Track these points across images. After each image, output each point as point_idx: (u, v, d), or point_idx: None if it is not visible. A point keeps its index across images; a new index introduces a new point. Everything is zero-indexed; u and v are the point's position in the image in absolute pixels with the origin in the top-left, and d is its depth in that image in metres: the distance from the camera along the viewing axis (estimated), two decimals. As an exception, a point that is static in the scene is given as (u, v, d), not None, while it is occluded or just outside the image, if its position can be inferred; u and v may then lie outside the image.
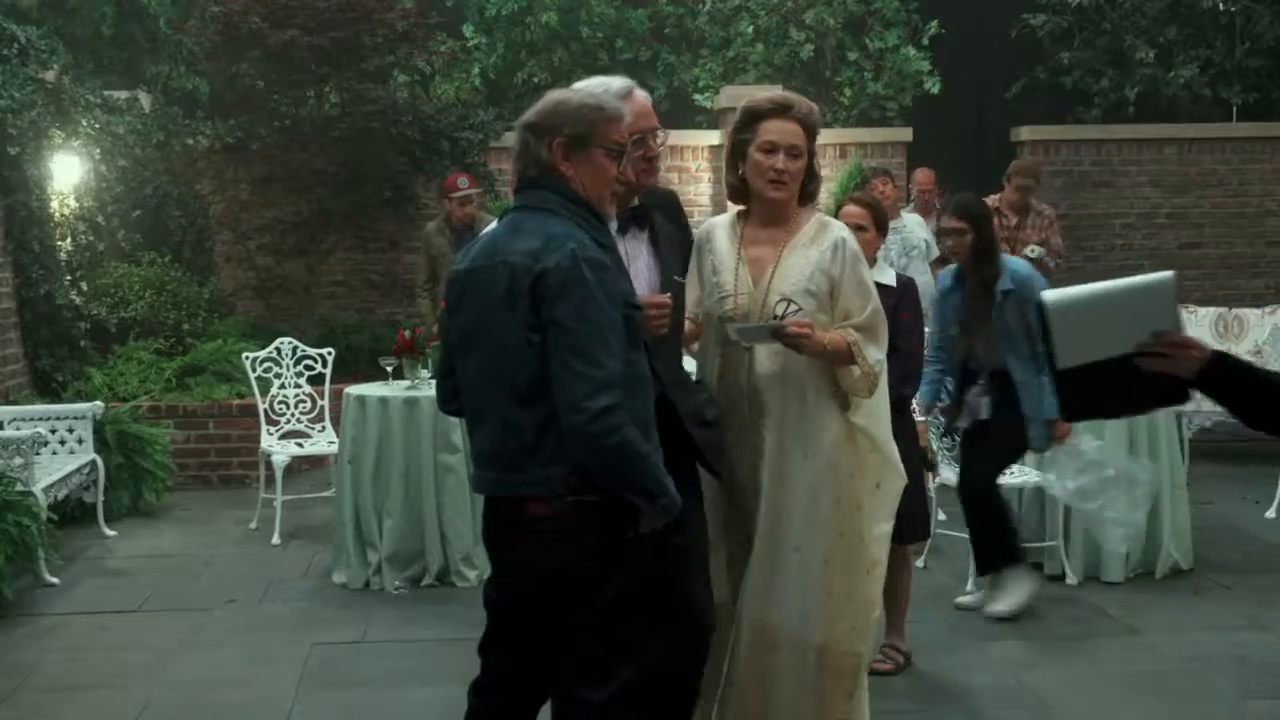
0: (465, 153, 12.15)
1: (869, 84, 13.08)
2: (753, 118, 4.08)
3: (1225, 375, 3.13)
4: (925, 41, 13.20)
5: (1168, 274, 3.20)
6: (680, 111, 12.96)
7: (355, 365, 10.57)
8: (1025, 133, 12.94)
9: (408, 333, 7.44)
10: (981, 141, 14.63)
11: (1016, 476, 6.93)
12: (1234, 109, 13.93)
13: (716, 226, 4.22)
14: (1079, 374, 3.16)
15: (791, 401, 4.04)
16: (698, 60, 13.42)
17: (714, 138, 12.00)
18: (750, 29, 13.04)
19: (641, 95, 3.86)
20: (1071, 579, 6.85)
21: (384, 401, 7.02)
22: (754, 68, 12.79)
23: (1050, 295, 3.15)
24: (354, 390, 7.22)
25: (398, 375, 7.42)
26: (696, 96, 13.10)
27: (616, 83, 3.82)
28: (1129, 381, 3.20)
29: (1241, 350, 10.39)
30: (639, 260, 3.85)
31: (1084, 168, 12.67)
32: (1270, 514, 8.33)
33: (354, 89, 11.25)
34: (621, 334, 3.21)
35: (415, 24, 11.47)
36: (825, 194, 12.06)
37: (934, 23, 13.26)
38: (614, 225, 3.77)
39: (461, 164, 12.19)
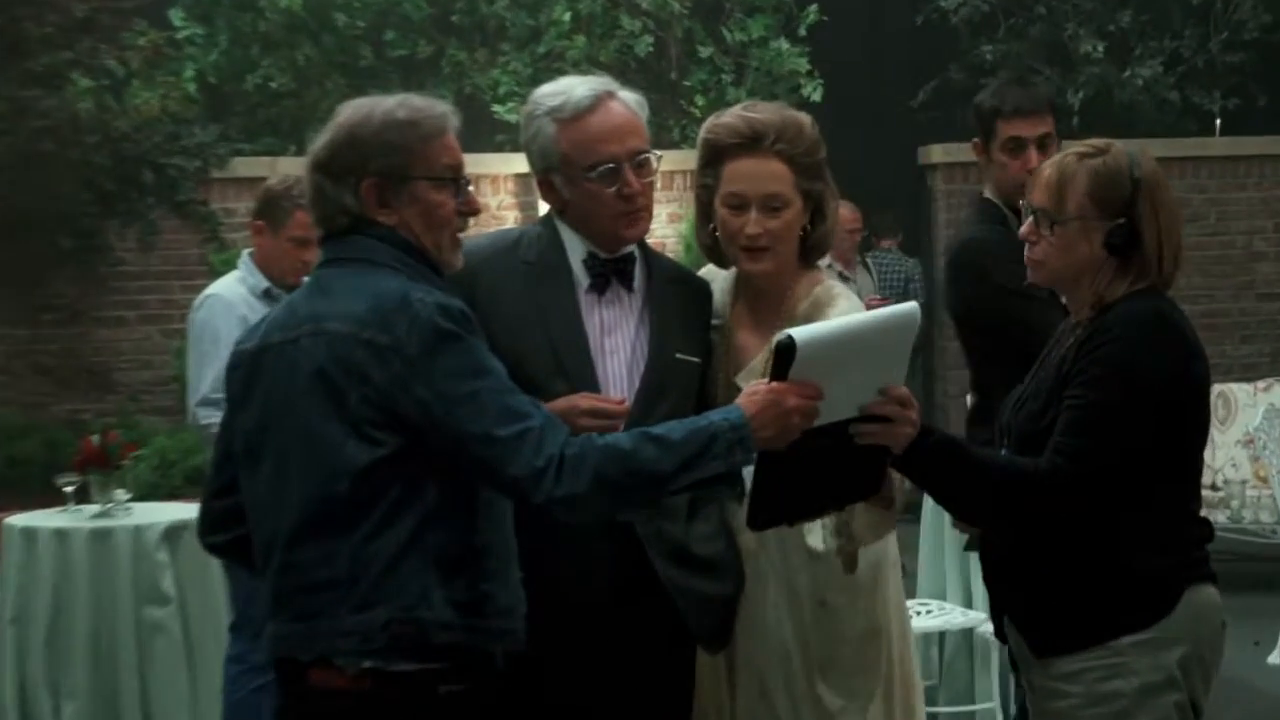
0: (175, 185, 12.03)
1: (728, 89, 13.25)
2: (715, 154, 4.04)
3: (933, 450, 3.48)
4: (802, 32, 13.41)
5: (911, 306, 3.48)
6: (475, 127, 12.97)
7: (21, 484, 10.33)
8: (937, 153, 13.19)
9: (96, 438, 7.30)
10: (878, 164, 14.86)
11: (935, 616, 7.01)
12: (1215, 120, 14.29)
13: (713, 285, 4.19)
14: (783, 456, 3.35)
15: (773, 546, 3.99)
16: (497, 58, 13.47)
17: (520, 163, 12.03)
18: (567, 16, 13.14)
19: (617, 106, 3.87)
20: (1014, 753, 6.93)
21: (62, 536, 6.89)
22: (573, 67, 12.88)
23: (801, 332, 3.32)
24: (18, 521, 7.08)
25: (82, 498, 7.26)
26: (496, 108, 13.13)
27: (583, 87, 3.87)
28: (829, 463, 3.44)
29: (1229, 439, 10.63)
30: (618, 332, 3.90)
31: (1016, 199, 12.98)
32: (1274, 659, 8.50)
33: (15, 97, 11.09)
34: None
35: (101, 8, 11.36)
36: (675, 236, 12.18)
37: (813, 8, 13.46)
38: (585, 284, 3.87)
39: (170, 202, 12.06)
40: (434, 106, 3.44)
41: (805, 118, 4.07)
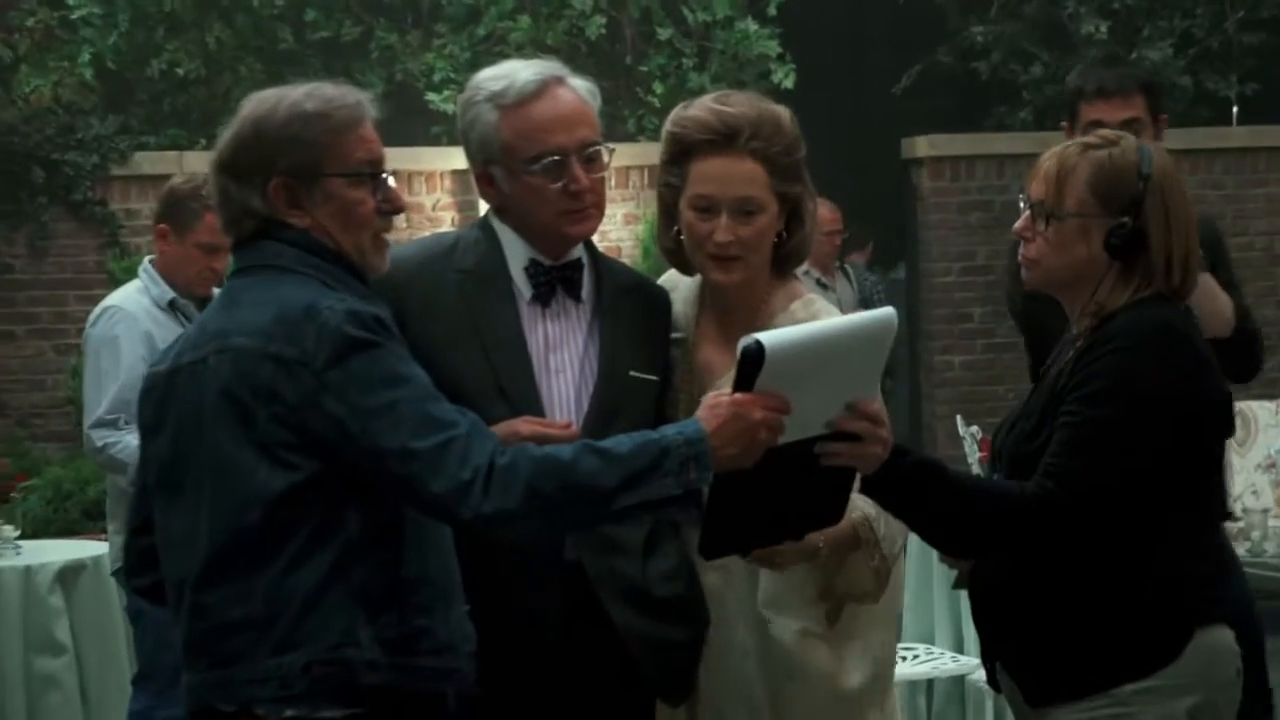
0: (70, 184, 11.99)
1: (689, 75, 13.26)
2: (682, 151, 4.03)
3: (908, 473, 3.49)
4: (772, 12, 13.42)
5: (888, 311, 3.48)
6: (407, 118, 12.96)
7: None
8: (922, 145, 13.20)
9: (-19, 468, 7.30)
10: (856, 158, 14.92)
11: (923, 661, 7.02)
12: (1231, 107, 14.30)
13: (674, 295, 4.21)
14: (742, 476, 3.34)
15: (736, 585, 4.01)
16: (431, 41, 13.46)
17: (459, 158, 12.01)
18: (510, -7, 13.15)
19: (566, 94, 3.93)
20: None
21: (-57, 577, 6.87)
22: (516, 51, 12.87)
23: (770, 337, 3.30)
24: (-106, 561, 7.06)
25: (-35, 535, 7.26)
26: (431, 96, 13.11)
27: (528, 71, 3.90)
28: (790, 486, 3.44)
29: (1249, 463, 10.64)
30: (564, 348, 3.92)
31: (1011, 196, 12.97)
32: (1299, 706, 8.53)
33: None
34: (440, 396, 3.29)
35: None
36: (631, 240, 12.19)
37: (784, -16, 13.48)
38: (529, 293, 3.90)
39: (64, 202, 12.02)
40: (346, 95, 3.46)
41: (783, 111, 4.07)
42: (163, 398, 3.43)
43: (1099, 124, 5.01)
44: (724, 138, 3.96)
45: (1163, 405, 3.49)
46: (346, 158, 3.41)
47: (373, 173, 3.44)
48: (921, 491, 3.53)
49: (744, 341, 3.29)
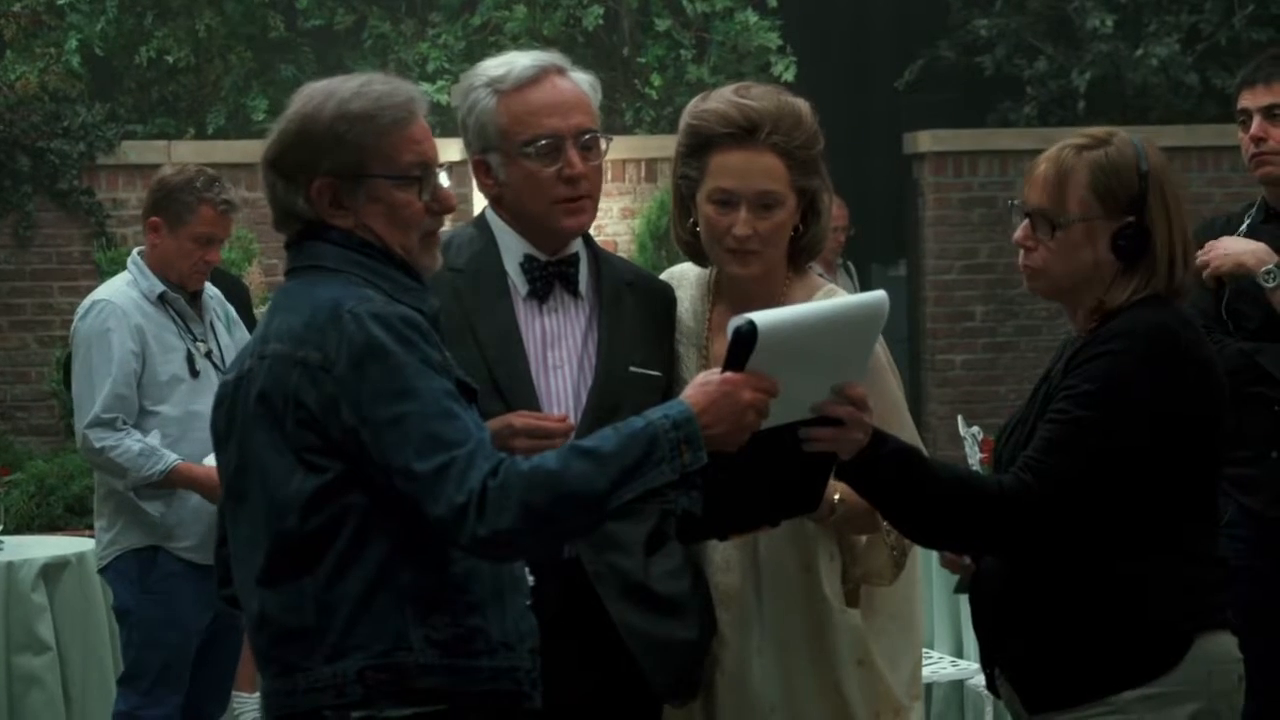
0: (57, 173, 11.98)
1: (688, 67, 13.26)
2: (701, 143, 4.06)
3: (886, 461, 3.51)
4: (772, 3, 13.42)
5: (880, 294, 3.50)
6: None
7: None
8: (925, 140, 13.20)
9: (-36, 462, 7.31)
10: (858, 153, 14.90)
11: (922, 666, 7.03)
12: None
13: (682, 289, 4.25)
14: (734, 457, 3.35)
15: (766, 591, 4.05)
16: (425, 30, 13.47)
17: (453, 150, 12.00)
18: (507, -17, 13.16)
19: (564, 82, 3.98)
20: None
21: (-75, 573, 6.88)
22: (512, 42, 12.88)
23: (763, 317, 3.32)
24: (-125, 556, 7.06)
25: (-52, 530, 7.27)
26: (426, 87, 13.12)
27: (528, 59, 3.96)
28: (770, 469, 3.46)
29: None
30: (562, 344, 3.96)
31: (1013, 193, 12.96)
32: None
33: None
34: (462, 401, 3.29)
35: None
36: (628, 234, 12.19)
37: (786, -24, 13.49)
38: (525, 289, 3.94)
39: (50, 191, 12.02)
40: (395, 93, 3.44)
41: (803, 105, 4.10)
42: (230, 408, 3.44)
43: (1244, 111, 5.11)
44: (745, 131, 3.99)
45: (1148, 412, 3.51)
46: (392, 160, 3.40)
47: (420, 175, 3.43)
48: (897, 479, 3.55)
49: (736, 321, 3.32)
